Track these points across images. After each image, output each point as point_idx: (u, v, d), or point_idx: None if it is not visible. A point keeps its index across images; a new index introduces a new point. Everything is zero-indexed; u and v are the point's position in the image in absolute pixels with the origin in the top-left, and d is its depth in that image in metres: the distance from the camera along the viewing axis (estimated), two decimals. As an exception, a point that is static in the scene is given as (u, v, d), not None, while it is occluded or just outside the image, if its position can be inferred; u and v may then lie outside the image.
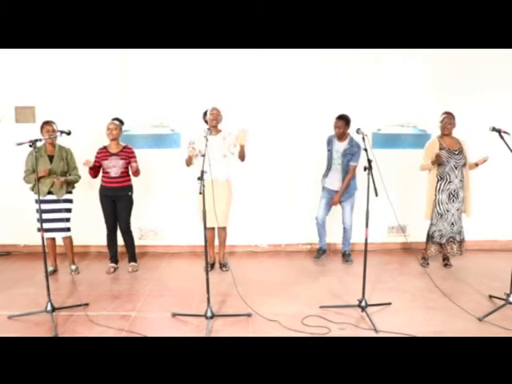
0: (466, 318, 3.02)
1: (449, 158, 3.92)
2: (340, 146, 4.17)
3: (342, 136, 4.14)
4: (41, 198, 3.68)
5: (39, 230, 3.74)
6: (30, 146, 2.95)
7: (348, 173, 4.16)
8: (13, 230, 4.64)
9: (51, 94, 4.50)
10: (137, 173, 3.89)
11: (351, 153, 4.12)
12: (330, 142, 4.25)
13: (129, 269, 4.09)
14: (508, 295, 3.17)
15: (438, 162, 3.88)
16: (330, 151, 4.23)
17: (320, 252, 4.48)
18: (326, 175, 4.30)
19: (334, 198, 4.23)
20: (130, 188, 4.04)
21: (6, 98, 4.53)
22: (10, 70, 4.50)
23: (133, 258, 4.17)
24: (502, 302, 3.18)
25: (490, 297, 3.38)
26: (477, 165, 3.91)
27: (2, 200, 4.58)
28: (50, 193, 3.81)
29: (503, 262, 4.09)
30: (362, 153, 3.07)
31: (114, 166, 3.90)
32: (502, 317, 3.00)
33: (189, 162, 3.79)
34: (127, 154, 3.95)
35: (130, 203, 4.03)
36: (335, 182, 4.23)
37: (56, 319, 2.94)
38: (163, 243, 4.81)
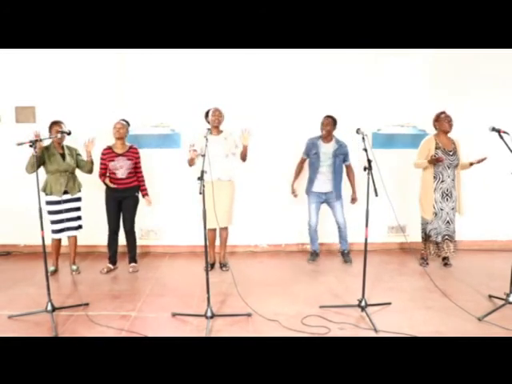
0: (465, 317, 3.02)
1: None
2: (327, 148, 4.19)
3: (328, 135, 4.18)
4: (58, 198, 3.77)
5: (53, 231, 3.80)
6: (30, 146, 2.95)
7: (348, 173, 4.33)
8: (13, 230, 4.63)
9: (51, 93, 4.50)
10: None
11: (344, 152, 4.21)
12: (314, 146, 4.22)
13: (129, 269, 4.08)
14: (508, 295, 3.18)
15: (436, 163, 3.89)
16: (316, 154, 4.19)
17: (314, 255, 4.47)
18: (312, 180, 4.27)
19: (354, 197, 4.29)
20: (136, 188, 4.05)
21: (5, 97, 4.54)
22: (10, 70, 4.50)
23: (133, 258, 4.16)
24: (502, 302, 3.18)
25: (490, 297, 3.39)
26: (471, 164, 3.91)
27: (2, 200, 4.57)
28: (65, 192, 3.82)
29: (503, 261, 4.07)
30: (362, 153, 3.08)
31: (122, 167, 3.90)
32: (501, 317, 3.00)
33: (191, 163, 3.82)
34: (133, 155, 3.98)
35: (135, 203, 4.04)
36: (324, 184, 4.24)
37: (56, 319, 2.94)
38: (163, 243, 4.81)
